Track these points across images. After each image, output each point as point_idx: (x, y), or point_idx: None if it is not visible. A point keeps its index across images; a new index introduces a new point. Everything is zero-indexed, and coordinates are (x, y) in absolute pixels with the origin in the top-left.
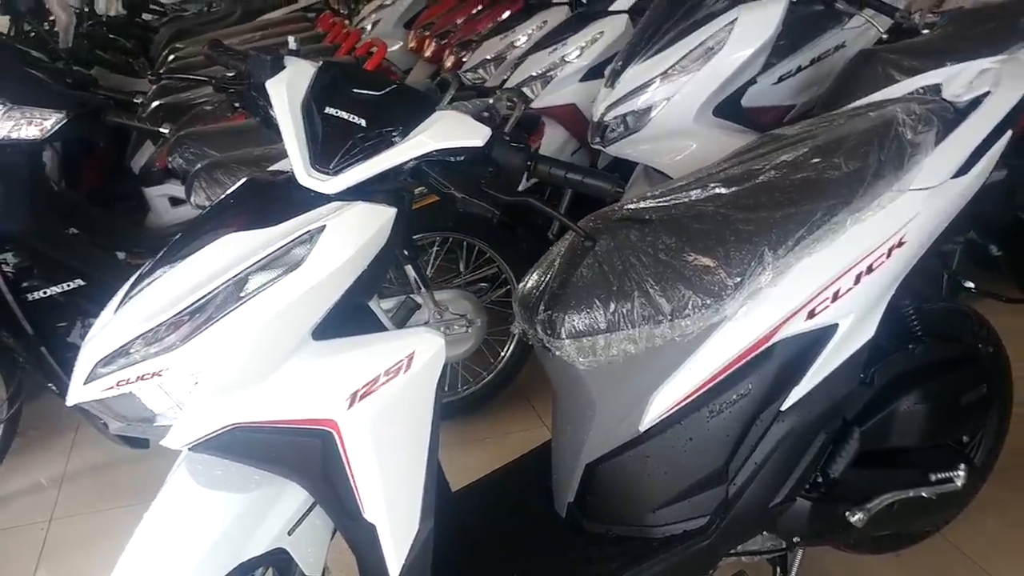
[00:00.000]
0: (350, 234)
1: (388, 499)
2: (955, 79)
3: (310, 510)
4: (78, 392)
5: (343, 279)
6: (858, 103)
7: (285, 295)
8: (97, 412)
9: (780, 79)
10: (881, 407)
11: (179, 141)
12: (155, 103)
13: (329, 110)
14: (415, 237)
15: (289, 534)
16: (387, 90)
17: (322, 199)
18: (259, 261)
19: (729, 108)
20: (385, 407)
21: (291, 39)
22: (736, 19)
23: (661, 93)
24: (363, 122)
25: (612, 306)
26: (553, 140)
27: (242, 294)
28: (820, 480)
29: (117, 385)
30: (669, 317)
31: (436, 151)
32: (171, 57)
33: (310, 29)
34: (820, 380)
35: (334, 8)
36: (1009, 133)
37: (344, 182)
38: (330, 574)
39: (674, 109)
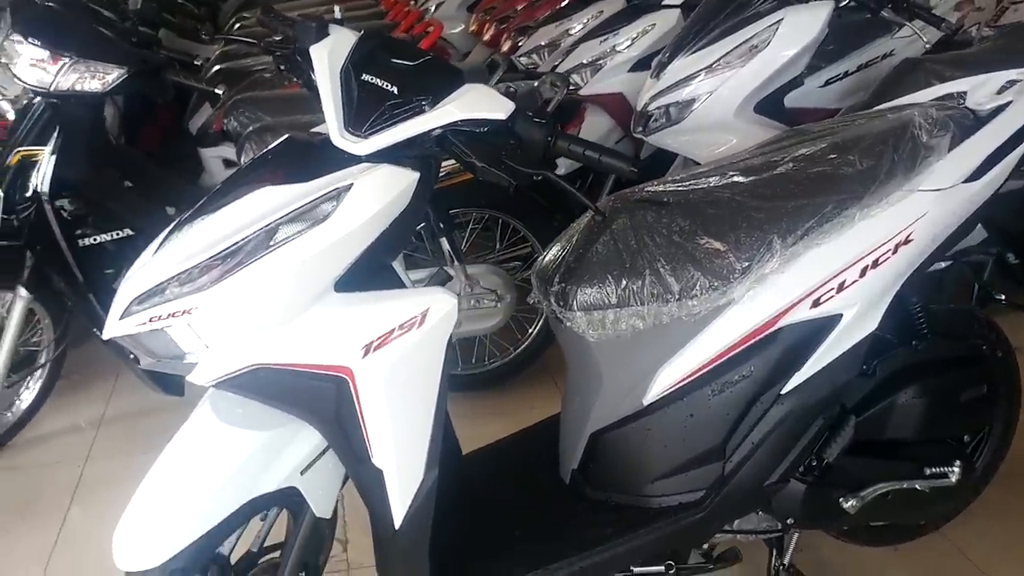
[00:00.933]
0: (375, 194)
1: (396, 446)
2: (980, 88)
3: (323, 453)
4: (114, 326)
5: (366, 235)
6: (882, 106)
7: (311, 246)
8: (130, 347)
9: (827, 82)
10: (880, 399)
11: (235, 104)
12: (216, 67)
13: (365, 77)
14: (452, 212)
15: (301, 474)
16: (420, 62)
17: (353, 160)
18: (290, 213)
19: (771, 106)
20: (398, 359)
21: (337, 8)
22: (782, 19)
23: (705, 86)
24: (395, 89)
25: (624, 282)
26: (598, 127)
27: (271, 243)
28: (815, 464)
29: (150, 321)
30: (677, 296)
31: (462, 121)
32: (236, 25)
33: (374, 5)
34: (821, 367)
35: None
36: None
37: (374, 145)
38: (345, 519)
39: (716, 103)
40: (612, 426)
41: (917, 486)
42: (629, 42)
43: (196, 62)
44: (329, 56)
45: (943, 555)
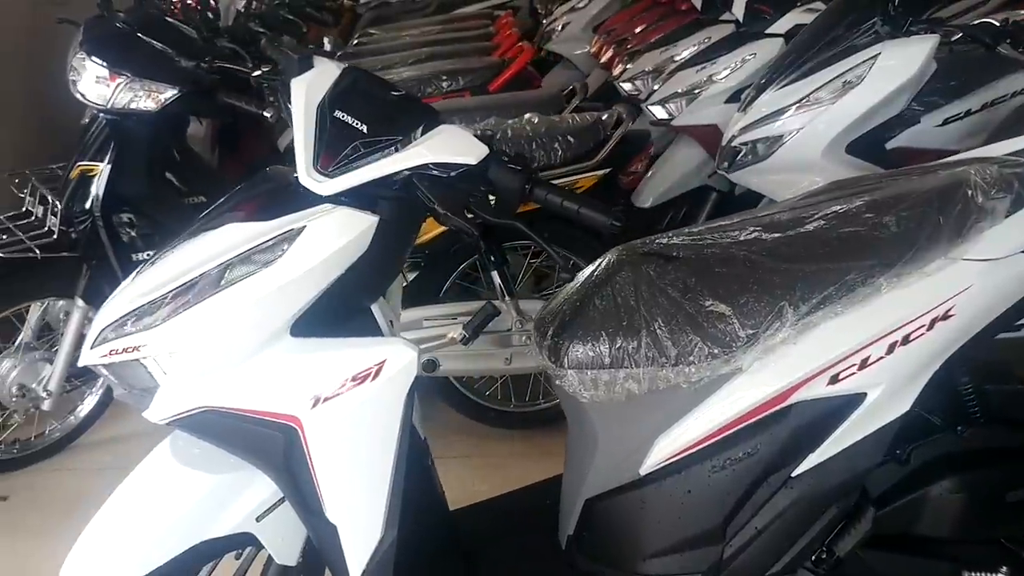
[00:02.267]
0: (326, 237)
1: (350, 502)
2: None
3: (282, 501)
4: (86, 354)
5: (318, 280)
6: (944, 160)
7: (258, 289)
8: (104, 376)
9: (946, 121)
10: (911, 489)
11: None
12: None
13: (338, 113)
14: (507, 244)
15: (258, 520)
16: (395, 100)
17: (316, 200)
18: (243, 253)
19: (867, 147)
20: (350, 411)
21: (326, 40)
22: (879, 54)
23: (794, 123)
24: (365, 128)
25: (619, 342)
26: (691, 160)
27: (222, 282)
28: (824, 556)
29: (110, 354)
30: (673, 361)
31: (430, 164)
32: (355, 41)
33: (487, 25)
34: (839, 450)
35: (535, 7)
36: None
37: (337, 186)
38: None
39: (804, 140)
40: (607, 494)
41: None
42: (727, 72)
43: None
44: (307, 90)
45: None
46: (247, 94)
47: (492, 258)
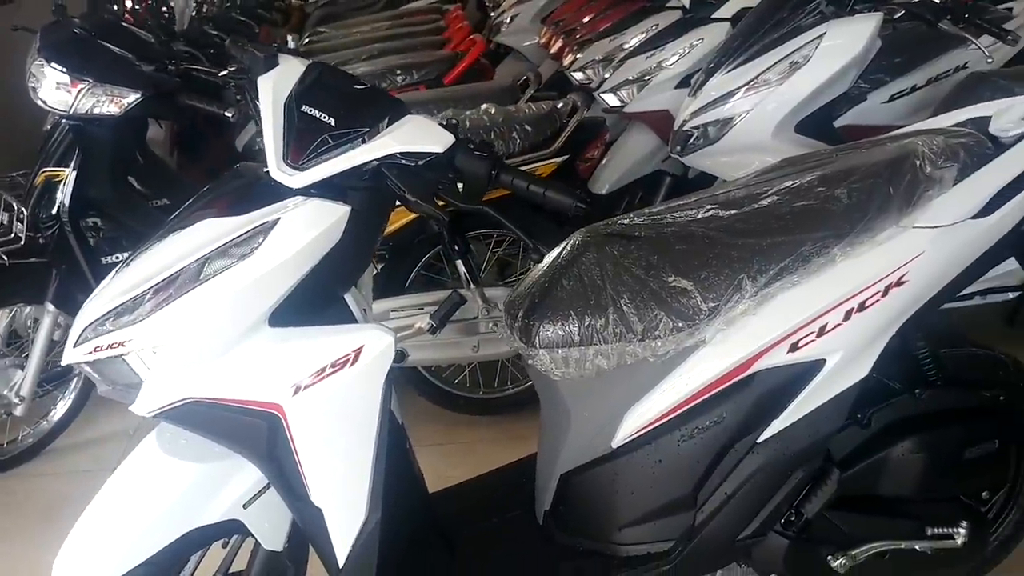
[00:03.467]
0: (300, 228)
1: (334, 485)
2: (1006, 112)
3: (267, 487)
4: (69, 353)
5: (293, 270)
6: (891, 134)
7: (238, 280)
8: (88, 374)
9: (892, 97)
10: (873, 451)
11: None
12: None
13: (305, 108)
14: (471, 233)
15: (245, 507)
16: (361, 92)
17: (288, 193)
18: (220, 247)
19: (816, 125)
20: (330, 397)
21: (290, 37)
22: (824, 33)
23: (743, 105)
24: (333, 121)
25: (587, 320)
26: (644, 145)
27: (201, 276)
28: (794, 518)
29: (95, 351)
30: (640, 336)
31: (398, 154)
32: (306, 39)
33: (437, 20)
34: (802, 416)
35: (483, 1)
36: None
37: (308, 178)
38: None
39: (753, 122)
40: (581, 468)
41: (917, 547)
42: (676, 57)
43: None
44: (274, 87)
45: None
46: (208, 95)
47: (456, 247)
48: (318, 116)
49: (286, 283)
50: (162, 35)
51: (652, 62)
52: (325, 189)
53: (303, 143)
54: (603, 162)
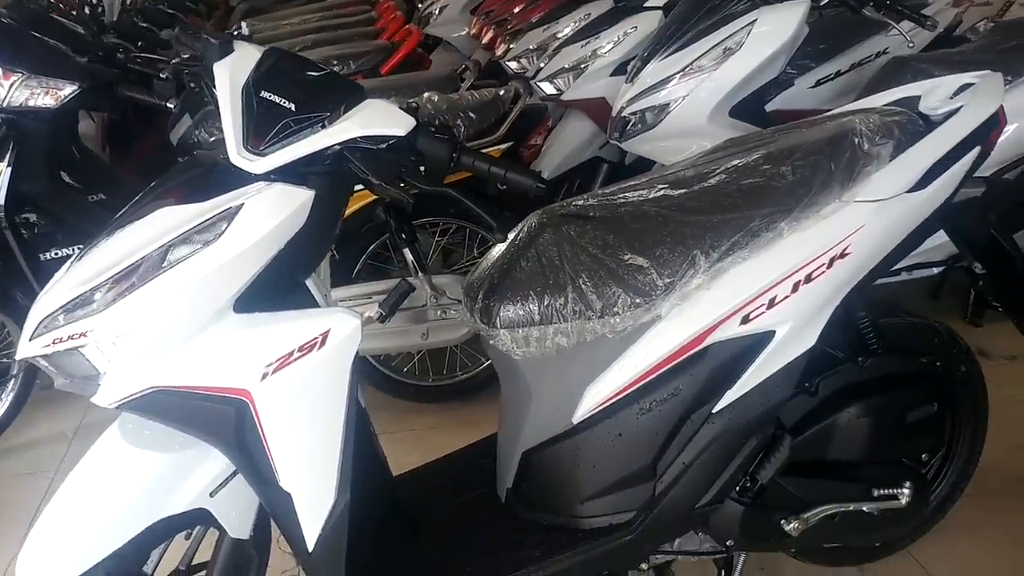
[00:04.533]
0: (265, 213)
1: (303, 469)
2: (934, 92)
3: (233, 475)
4: (24, 347)
5: (258, 256)
6: (829, 113)
7: (202, 267)
8: (44, 367)
9: (818, 83)
10: (820, 418)
11: (204, 116)
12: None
13: (264, 93)
14: (416, 222)
15: (211, 496)
16: (320, 77)
17: (250, 178)
18: (183, 234)
19: (749, 110)
20: (298, 381)
21: (244, 24)
22: (755, 20)
23: (678, 91)
24: (293, 106)
25: (546, 299)
26: (582, 133)
27: (163, 264)
28: (749, 484)
29: (53, 343)
30: (599, 314)
31: (360, 138)
32: (234, 32)
33: (369, 10)
34: (754, 385)
35: None
36: (977, 150)
37: (269, 163)
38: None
39: (689, 107)
40: (543, 445)
41: (865, 508)
42: (611, 45)
43: (163, 75)
44: (231, 73)
45: (906, 572)
46: (147, 87)
47: (403, 235)
48: (278, 101)
49: (252, 268)
50: (93, 27)
51: (587, 50)
52: (286, 174)
53: (263, 129)
54: (543, 149)
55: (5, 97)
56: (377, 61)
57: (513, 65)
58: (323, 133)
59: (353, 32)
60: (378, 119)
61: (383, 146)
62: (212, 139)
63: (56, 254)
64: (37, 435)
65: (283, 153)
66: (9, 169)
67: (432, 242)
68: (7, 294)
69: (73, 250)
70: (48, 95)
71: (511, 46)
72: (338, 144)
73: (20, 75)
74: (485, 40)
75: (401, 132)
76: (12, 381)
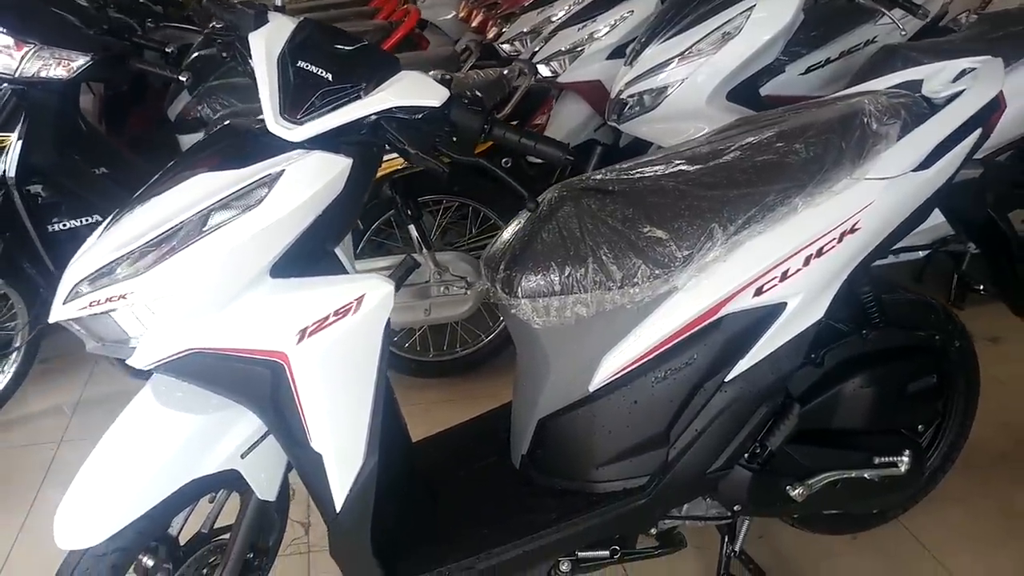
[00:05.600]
0: (306, 180)
1: (334, 431)
2: (936, 76)
3: (264, 437)
4: (58, 310)
5: (298, 222)
6: (837, 94)
7: (243, 232)
8: (75, 331)
9: (808, 69)
10: (826, 387)
11: (209, 91)
12: (196, 53)
13: (301, 64)
14: (421, 199)
15: (242, 457)
16: (356, 48)
17: (288, 146)
18: (223, 199)
19: (745, 94)
20: (333, 344)
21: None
22: (755, 5)
23: (677, 74)
24: (330, 76)
25: (567, 270)
26: (577, 115)
27: (204, 228)
28: (759, 451)
29: (90, 305)
30: (619, 284)
31: (396, 108)
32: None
33: None
34: (765, 355)
35: None
36: (978, 132)
37: (308, 131)
38: (310, 503)
39: (688, 91)
40: (559, 412)
41: (866, 475)
42: (607, 29)
43: (168, 49)
44: (266, 43)
45: (900, 543)
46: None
47: (409, 212)
48: (315, 71)
49: (290, 234)
50: (98, 1)
51: (584, 33)
52: (322, 143)
53: (300, 98)
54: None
55: (18, 68)
56: (375, 40)
57: (507, 47)
58: (360, 103)
59: (349, 12)
60: (413, 90)
61: (418, 116)
62: (217, 114)
63: (63, 225)
64: (38, 408)
65: (321, 122)
66: (20, 141)
67: (434, 221)
68: (15, 264)
69: (80, 221)
70: (60, 66)
71: (503, 29)
72: (375, 114)
73: (33, 46)
74: (475, 23)
75: (436, 103)
76: (15, 353)
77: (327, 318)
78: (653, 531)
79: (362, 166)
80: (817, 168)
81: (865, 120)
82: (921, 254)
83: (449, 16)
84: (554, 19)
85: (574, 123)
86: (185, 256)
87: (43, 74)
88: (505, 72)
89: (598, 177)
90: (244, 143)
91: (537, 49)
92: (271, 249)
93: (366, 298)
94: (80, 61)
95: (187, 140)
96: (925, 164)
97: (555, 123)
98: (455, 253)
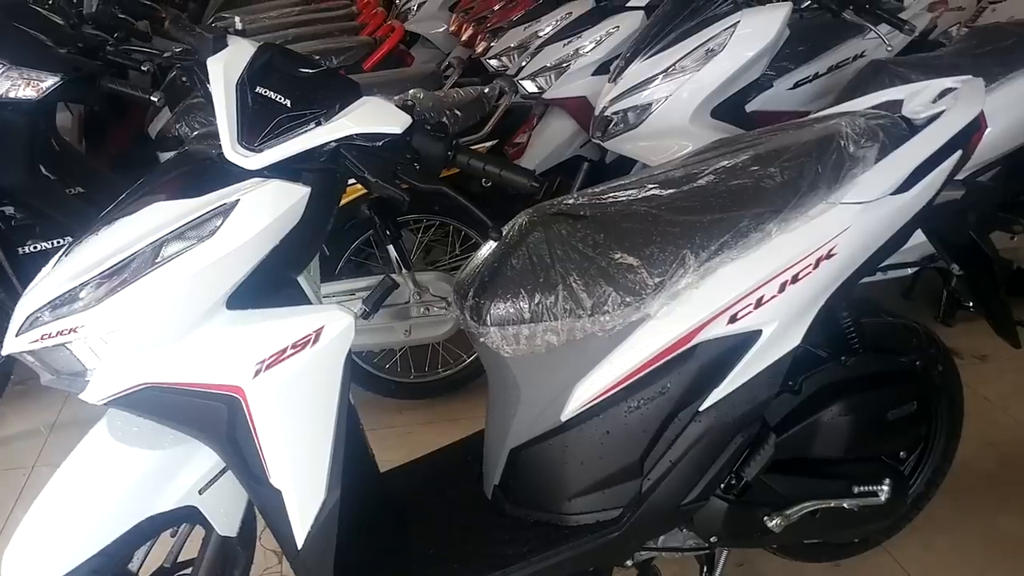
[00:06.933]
0: (261, 209)
1: (294, 466)
2: (917, 96)
3: (223, 472)
4: (11, 343)
5: (254, 252)
6: (816, 114)
7: (197, 263)
8: (30, 363)
9: (796, 84)
10: (804, 416)
11: (187, 109)
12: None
13: (259, 89)
14: (400, 219)
15: (200, 493)
16: (316, 73)
17: (245, 174)
18: (177, 229)
19: (730, 110)
20: (291, 378)
21: (237, 19)
22: (738, 22)
23: (661, 91)
24: (288, 102)
25: (537, 297)
26: (563, 131)
27: (157, 259)
28: (734, 482)
29: (42, 339)
30: (590, 312)
31: (356, 135)
32: (211, 24)
33: (349, 5)
34: (741, 384)
35: None
36: (959, 153)
37: (265, 159)
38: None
39: (672, 108)
40: (531, 442)
41: (845, 505)
42: (593, 45)
43: (144, 68)
44: (225, 68)
45: (883, 570)
46: (129, 80)
47: (388, 232)
48: (273, 97)
49: (246, 265)
50: (72, 18)
51: (569, 49)
52: (281, 171)
53: (258, 125)
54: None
55: None
56: (360, 57)
57: (494, 63)
58: (319, 130)
59: (334, 27)
60: (374, 116)
61: (379, 143)
62: (194, 133)
63: (35, 248)
64: (12, 431)
65: (279, 149)
66: None
67: (415, 239)
68: None
69: (52, 243)
70: (29, 87)
71: (491, 44)
72: (334, 141)
73: (1, 66)
74: (464, 37)
75: (397, 130)
76: None
77: (284, 351)
78: (629, 563)
79: (322, 194)
80: (792, 192)
81: (842, 143)
82: (909, 271)
83: (440, 30)
84: (541, 34)
85: (560, 139)
86: (137, 288)
87: (12, 95)
88: (485, 91)
89: (569, 202)
90: (202, 171)
91: (523, 64)
92: (226, 280)
93: (325, 329)
94: (50, 81)
95: (166, 157)
96: (903, 187)
97: (541, 139)
98: (435, 273)
